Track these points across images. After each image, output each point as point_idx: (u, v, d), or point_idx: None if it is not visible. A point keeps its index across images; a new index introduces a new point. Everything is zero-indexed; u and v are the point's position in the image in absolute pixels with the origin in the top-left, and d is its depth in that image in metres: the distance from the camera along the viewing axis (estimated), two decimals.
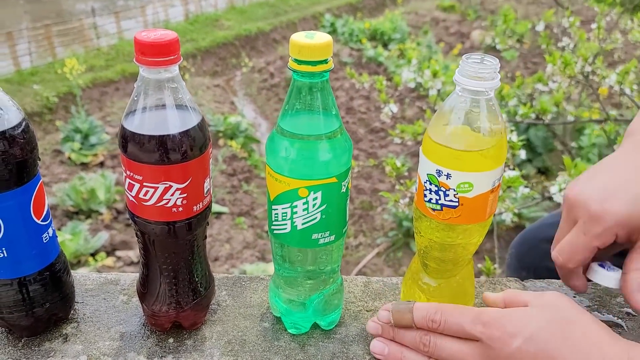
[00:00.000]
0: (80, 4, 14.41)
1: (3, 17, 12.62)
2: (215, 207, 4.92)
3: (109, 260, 4.01)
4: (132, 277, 0.66)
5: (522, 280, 0.67)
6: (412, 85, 2.24)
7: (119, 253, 4.22)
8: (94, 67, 7.83)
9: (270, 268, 3.93)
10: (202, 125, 0.49)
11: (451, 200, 0.48)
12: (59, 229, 4.38)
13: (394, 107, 2.13)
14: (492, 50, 8.93)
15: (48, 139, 6.16)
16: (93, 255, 4.10)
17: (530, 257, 0.90)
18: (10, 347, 0.55)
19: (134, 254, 4.20)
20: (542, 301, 0.47)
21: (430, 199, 0.49)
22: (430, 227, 0.50)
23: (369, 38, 9.51)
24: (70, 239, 4.00)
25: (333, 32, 10.25)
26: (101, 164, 5.61)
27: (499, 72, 0.45)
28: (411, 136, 1.98)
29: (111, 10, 10.60)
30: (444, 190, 0.47)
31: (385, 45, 9.40)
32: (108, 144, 5.80)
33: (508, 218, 1.47)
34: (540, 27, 2.40)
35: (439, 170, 0.47)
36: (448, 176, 0.47)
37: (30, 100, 6.95)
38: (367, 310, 0.60)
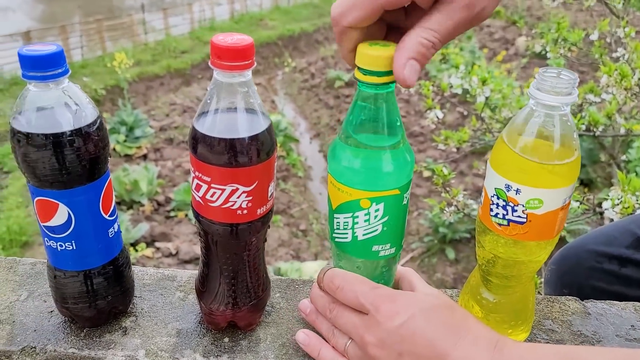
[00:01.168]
0: (129, 0, 14.81)
1: (57, 12, 13.09)
2: None
3: (148, 251, 4.10)
4: (188, 274, 0.67)
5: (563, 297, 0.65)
6: (459, 91, 2.20)
7: (158, 244, 4.31)
8: (141, 62, 8.03)
9: (305, 268, 3.94)
10: (270, 130, 0.50)
11: (519, 216, 0.47)
12: None
13: (439, 113, 2.11)
14: (538, 57, 8.72)
15: None
16: (133, 245, 4.20)
17: (573, 274, 0.87)
18: (73, 337, 0.57)
19: (173, 245, 4.29)
20: (429, 289, 0.51)
21: (497, 213, 0.48)
22: (495, 242, 0.49)
23: None
24: None
25: None
26: (144, 157, 5.74)
27: (576, 87, 0.44)
28: (456, 143, 1.95)
29: (159, 6, 10.84)
30: (512, 205, 0.46)
31: None
32: (152, 137, 5.94)
33: None
34: (594, 37, 2.33)
35: (508, 185, 0.46)
36: (517, 191, 0.46)
37: None
38: None
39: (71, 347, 0.56)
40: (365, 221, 0.48)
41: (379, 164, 0.47)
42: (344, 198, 0.48)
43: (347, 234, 0.50)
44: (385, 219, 0.48)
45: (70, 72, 0.49)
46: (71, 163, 0.49)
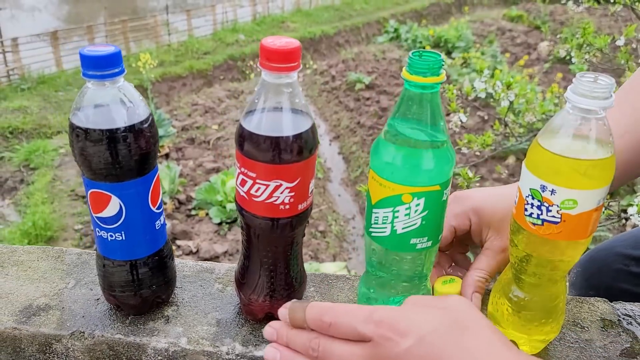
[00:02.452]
0: (153, 1, 15.01)
1: (82, 12, 13.31)
2: None
3: None
4: (226, 266, 0.69)
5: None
6: (482, 95, 2.21)
7: (179, 242, 4.37)
8: (164, 62, 8.14)
9: (323, 269, 3.96)
10: (313, 129, 0.52)
11: (553, 216, 0.48)
12: None
13: (463, 117, 2.11)
14: (560, 62, 8.63)
15: None
16: None
17: (600, 276, 0.88)
18: (118, 324, 0.60)
19: (193, 244, 4.34)
20: (441, 304, 0.46)
21: (531, 213, 0.49)
22: (529, 241, 0.51)
23: (432, 45, 9.40)
24: None
25: (396, 38, 10.20)
26: (166, 156, 5.82)
27: (613, 93, 0.46)
28: (480, 147, 1.95)
29: (183, 8, 10.97)
30: (547, 205, 0.48)
31: (448, 53, 9.28)
32: (174, 136, 6.02)
33: None
34: (620, 42, 2.31)
35: (544, 186, 0.48)
36: (552, 192, 0.47)
37: None
38: None
39: (117, 333, 0.59)
40: (405, 215, 0.50)
41: (423, 161, 0.49)
42: (385, 193, 0.50)
43: (385, 228, 0.52)
44: (425, 213, 0.50)
45: (125, 71, 0.52)
46: (124, 157, 0.52)
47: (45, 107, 6.75)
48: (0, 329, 0.59)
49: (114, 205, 0.54)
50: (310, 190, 0.55)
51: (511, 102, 2.03)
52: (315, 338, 0.46)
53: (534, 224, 0.50)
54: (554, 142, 0.48)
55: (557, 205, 0.48)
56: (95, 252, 0.71)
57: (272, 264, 0.57)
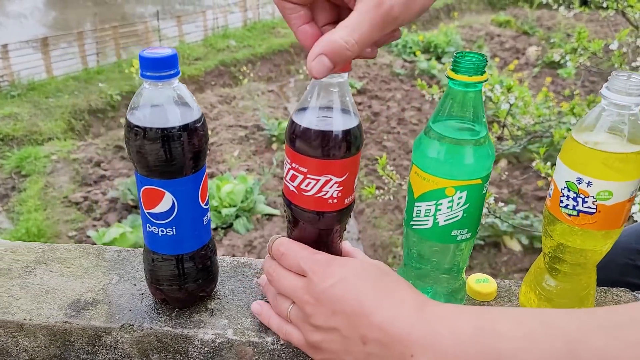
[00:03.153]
0: (140, 7, 14.98)
1: (69, 19, 13.24)
2: (267, 209, 5.03)
3: None
4: (261, 262, 0.72)
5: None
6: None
7: None
8: None
9: None
10: (360, 126, 0.55)
11: (589, 207, 0.51)
12: (119, 221, 4.58)
13: None
14: (549, 67, 8.76)
15: (110, 135, 6.44)
16: None
17: (606, 271, 0.91)
18: (165, 317, 0.62)
19: None
20: (367, 259, 0.55)
21: (567, 204, 0.52)
22: (564, 231, 0.54)
23: (422, 50, 9.50)
24: (131, 231, 4.17)
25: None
26: None
27: None
28: None
29: (173, 14, 10.97)
30: (583, 197, 0.51)
31: (438, 58, 9.37)
32: None
33: None
34: (614, 46, 2.38)
35: (580, 178, 0.51)
36: (589, 184, 0.50)
37: (95, 97, 7.28)
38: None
39: (165, 326, 0.61)
40: (448, 208, 0.53)
41: (466, 156, 0.52)
42: (429, 187, 0.53)
43: (428, 220, 0.55)
44: (466, 205, 0.53)
45: (180, 73, 0.54)
46: (180, 155, 0.54)
47: (36, 113, 6.71)
48: (51, 323, 0.60)
49: (167, 201, 0.56)
50: (355, 185, 0.57)
51: (511, 105, 2.08)
52: (274, 264, 0.57)
53: (569, 215, 0.53)
54: (589, 137, 0.51)
55: (593, 197, 0.51)
56: (130, 249, 0.73)
57: None
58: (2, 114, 6.47)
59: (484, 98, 2.28)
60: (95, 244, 4.11)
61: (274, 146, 6.24)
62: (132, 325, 0.61)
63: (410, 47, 9.70)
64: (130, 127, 0.54)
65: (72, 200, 5.02)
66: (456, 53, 0.51)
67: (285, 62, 9.75)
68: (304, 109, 0.54)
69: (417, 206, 0.55)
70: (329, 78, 0.52)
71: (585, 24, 10.40)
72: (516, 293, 0.67)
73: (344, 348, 0.48)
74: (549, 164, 2.05)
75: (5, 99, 6.99)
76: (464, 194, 0.52)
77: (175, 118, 0.54)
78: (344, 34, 0.42)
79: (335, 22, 0.49)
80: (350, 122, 0.54)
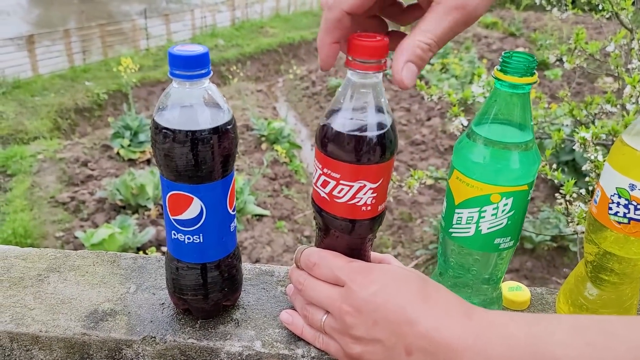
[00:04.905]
0: (126, 5, 14.83)
1: (53, 16, 13.06)
2: (257, 210, 4.99)
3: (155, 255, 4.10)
4: (284, 269, 0.69)
5: None
6: (480, 100, 2.24)
7: (164, 248, 4.31)
8: (143, 67, 8.04)
9: None
10: (394, 128, 0.52)
11: None
12: (107, 222, 4.51)
13: (464, 120, 2.14)
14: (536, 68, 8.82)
15: (97, 134, 6.34)
16: (140, 249, 4.20)
17: None
18: (189, 328, 0.59)
19: None
20: (403, 266, 0.53)
21: (617, 212, 0.51)
22: (612, 239, 0.52)
23: None
24: (120, 232, 4.11)
25: None
26: (148, 161, 5.74)
27: None
28: None
29: (160, 12, 10.86)
30: (636, 204, 0.49)
31: None
32: None
33: None
34: (610, 48, 2.38)
35: (633, 185, 0.49)
36: None
37: (82, 96, 7.18)
38: None
39: (190, 338, 0.58)
40: (492, 215, 0.51)
41: (513, 161, 0.49)
42: (472, 193, 0.51)
43: (469, 228, 0.53)
44: (512, 213, 0.51)
45: (212, 73, 0.51)
46: (210, 159, 0.51)
47: (22, 112, 6.59)
48: (69, 335, 0.57)
49: (195, 207, 0.53)
50: (388, 192, 0.55)
51: None
52: (304, 274, 0.54)
53: (619, 223, 0.51)
54: None
55: None
56: (146, 256, 0.70)
57: None
58: None
59: (482, 99, 2.26)
60: (84, 245, 4.04)
61: (264, 146, 6.20)
62: (154, 337, 0.58)
63: None
64: (158, 129, 0.51)
65: (59, 200, 4.94)
66: (504, 53, 0.49)
67: (273, 62, 9.71)
68: (336, 111, 0.51)
69: (458, 213, 0.53)
70: (363, 78, 0.50)
71: (571, 26, 10.50)
72: (550, 302, 0.65)
73: (387, 359, 0.46)
74: (554, 166, 2.05)
75: None
76: (510, 200, 0.50)
77: (206, 120, 0.51)
78: (426, 39, 0.43)
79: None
80: (385, 124, 0.52)
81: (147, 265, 0.68)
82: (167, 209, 0.54)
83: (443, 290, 0.48)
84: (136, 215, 4.67)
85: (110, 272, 0.66)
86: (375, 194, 0.53)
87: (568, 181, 1.36)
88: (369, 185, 0.52)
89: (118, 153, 5.68)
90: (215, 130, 0.51)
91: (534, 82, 0.48)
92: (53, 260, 0.67)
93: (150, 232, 4.30)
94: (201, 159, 0.51)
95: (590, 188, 1.54)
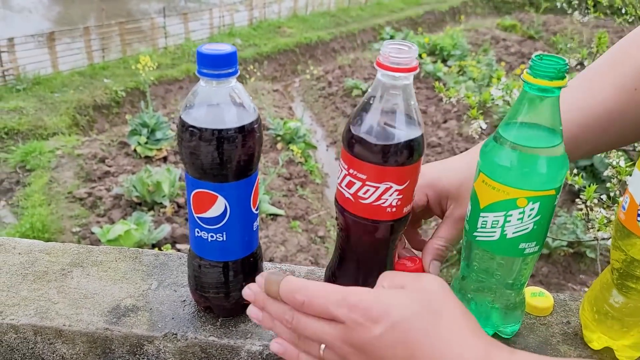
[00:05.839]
0: (144, 4, 14.96)
1: (73, 13, 13.22)
2: (271, 209, 5.00)
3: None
4: (304, 269, 0.69)
5: None
6: (499, 102, 2.22)
7: (179, 246, 4.35)
8: (161, 65, 8.11)
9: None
10: (423, 132, 0.52)
11: None
12: (123, 218, 4.55)
13: (482, 124, 2.13)
14: None
15: (115, 131, 6.41)
16: (155, 245, 4.23)
17: None
18: (210, 325, 0.59)
19: None
20: (416, 286, 0.46)
21: None
22: (639, 246, 0.51)
23: (428, 53, 9.47)
24: (136, 228, 4.15)
25: None
26: (164, 159, 5.79)
27: None
28: None
29: (179, 11, 10.95)
30: None
31: (444, 61, 9.34)
32: (172, 139, 5.99)
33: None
34: None
35: None
36: None
37: (100, 93, 7.26)
38: (541, 324, 0.62)
39: (210, 335, 0.58)
40: (518, 219, 0.50)
41: (541, 165, 0.49)
42: (498, 197, 0.50)
43: (494, 232, 0.52)
44: (538, 217, 0.50)
45: (239, 72, 0.52)
46: (236, 157, 0.51)
47: (41, 108, 6.68)
48: (91, 330, 0.58)
49: (219, 206, 0.53)
50: (414, 194, 0.55)
51: None
52: (290, 311, 0.47)
53: None
54: None
55: None
56: (168, 253, 0.70)
57: (368, 264, 0.57)
58: (8, 108, 6.45)
59: (501, 102, 2.23)
60: (100, 240, 4.08)
61: (279, 146, 6.21)
62: (176, 334, 0.58)
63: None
64: (185, 127, 0.51)
65: (76, 195, 5.00)
66: (534, 55, 0.48)
67: (290, 62, 9.73)
68: (364, 111, 0.51)
69: (483, 217, 0.52)
70: (393, 80, 0.50)
71: (591, 29, 10.37)
72: (573, 308, 0.64)
73: None
74: (574, 171, 2.02)
75: (11, 93, 6.97)
76: (537, 205, 0.50)
77: (233, 119, 0.51)
78: (442, 243, 0.60)
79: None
80: (415, 127, 0.51)
81: (169, 262, 0.68)
82: (192, 207, 0.55)
83: (460, 324, 0.44)
84: (152, 212, 4.71)
85: (132, 268, 0.67)
86: (401, 196, 0.53)
87: (589, 186, 1.34)
88: (395, 186, 0.52)
89: (135, 150, 5.73)
90: (242, 129, 0.51)
91: (564, 86, 0.48)
92: (76, 255, 0.68)
93: (166, 229, 4.34)
94: (227, 158, 0.51)
95: (612, 194, 1.52)
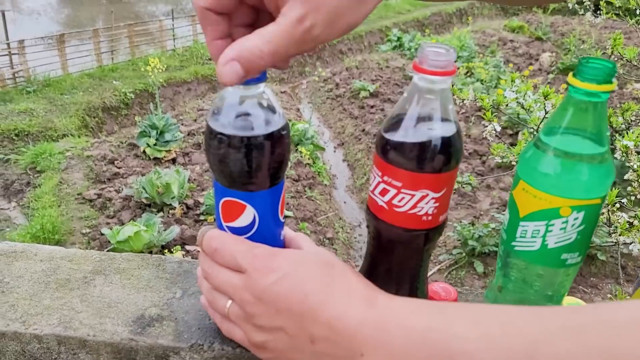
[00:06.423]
0: (151, 6, 15.01)
1: (81, 16, 13.29)
2: None
3: (179, 254, 4.13)
4: None
5: None
6: (513, 104, 2.20)
7: (188, 247, 4.34)
8: (169, 67, 8.13)
9: None
10: (460, 135, 0.50)
11: None
12: (133, 220, 4.55)
13: (497, 126, 2.10)
14: (562, 73, 8.67)
15: (124, 133, 6.42)
16: (164, 247, 4.23)
17: None
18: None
19: None
20: (314, 249, 0.51)
21: None
22: None
23: None
24: (145, 230, 4.14)
25: (399, 46, 10.24)
26: (173, 161, 5.79)
27: None
28: (517, 156, 1.93)
29: (186, 13, 10.97)
30: None
31: None
32: (180, 141, 5.99)
33: (636, 249, 1.41)
34: None
35: None
36: None
37: (109, 95, 7.28)
38: None
39: (238, 347, 0.56)
40: (561, 229, 0.48)
41: (588, 173, 0.47)
42: (539, 206, 0.48)
43: (534, 242, 0.50)
44: (582, 227, 0.48)
45: (267, 77, 0.50)
46: (265, 166, 0.50)
47: (51, 110, 6.71)
48: (116, 340, 0.56)
49: (247, 215, 0.52)
50: (449, 201, 0.53)
51: (546, 112, 2.02)
52: (210, 261, 0.50)
53: None
54: None
55: None
56: (191, 261, 0.69)
57: (400, 273, 0.55)
58: (18, 110, 6.48)
59: (514, 104, 2.21)
60: (110, 242, 4.09)
61: None
62: (202, 345, 0.56)
63: None
64: (213, 134, 0.49)
65: (86, 197, 5.01)
66: (581, 58, 0.46)
67: (297, 64, 9.72)
68: (400, 116, 0.49)
69: (523, 226, 0.50)
70: (430, 83, 0.48)
71: (600, 31, 10.31)
72: None
73: (291, 347, 0.45)
74: None
75: (22, 95, 7.00)
76: (581, 214, 0.48)
77: (262, 125, 0.49)
78: (260, 44, 0.40)
79: (250, 25, 0.45)
80: (452, 132, 0.49)
81: (193, 270, 0.67)
82: (220, 215, 0.53)
83: (349, 274, 0.47)
84: (161, 214, 4.71)
85: (156, 275, 0.65)
86: (437, 204, 0.51)
87: (611, 190, 1.32)
88: (432, 194, 0.50)
89: (144, 152, 5.74)
90: (272, 136, 0.49)
91: (612, 91, 0.46)
92: (98, 263, 0.67)
93: (175, 230, 4.33)
94: (256, 166, 0.49)
95: (633, 198, 1.49)
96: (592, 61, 0.46)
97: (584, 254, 0.51)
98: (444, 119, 0.49)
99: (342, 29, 0.41)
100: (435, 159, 0.49)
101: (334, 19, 0.40)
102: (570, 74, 0.47)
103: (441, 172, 0.49)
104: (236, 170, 0.49)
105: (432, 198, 0.50)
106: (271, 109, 0.51)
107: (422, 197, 0.50)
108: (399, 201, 0.51)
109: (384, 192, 0.51)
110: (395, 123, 0.50)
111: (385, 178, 0.51)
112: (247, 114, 0.50)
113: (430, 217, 0.51)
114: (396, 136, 0.49)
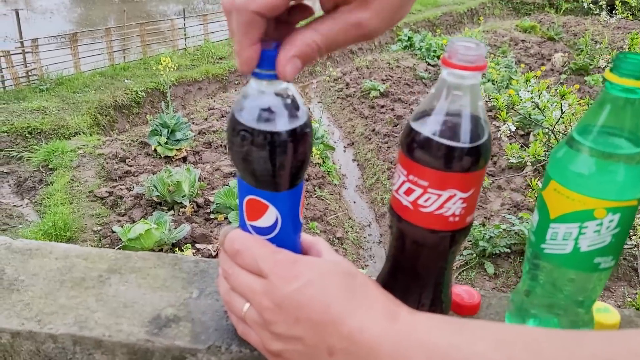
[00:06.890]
0: (163, 5, 15.08)
1: (93, 15, 13.37)
2: None
3: (189, 253, 4.13)
4: None
5: None
6: (528, 104, 2.17)
7: (198, 245, 4.34)
8: (180, 66, 8.15)
9: None
10: (490, 134, 0.49)
11: None
12: (144, 217, 4.57)
13: (512, 126, 2.08)
14: (575, 73, 8.59)
15: (136, 131, 6.45)
16: (175, 245, 4.24)
17: None
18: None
19: (213, 247, 4.31)
20: (334, 257, 0.49)
21: None
22: None
23: None
24: (156, 228, 4.15)
25: (410, 46, 10.19)
26: (184, 159, 5.80)
27: None
28: (532, 157, 1.91)
29: (198, 13, 11.00)
30: None
31: None
32: (191, 140, 6.00)
33: None
34: None
35: None
36: None
37: (121, 94, 7.31)
38: None
39: (256, 350, 0.55)
40: (595, 232, 0.46)
41: (624, 174, 0.45)
42: (572, 207, 0.47)
43: (566, 245, 0.48)
44: (617, 230, 0.46)
45: None
46: (288, 162, 0.48)
47: (64, 108, 6.75)
48: (132, 341, 0.55)
49: (270, 216, 0.50)
50: (477, 202, 0.51)
51: (562, 112, 1.99)
52: (229, 261, 0.49)
53: None
54: None
55: None
56: (207, 260, 0.67)
57: (423, 276, 0.54)
58: (31, 108, 6.52)
59: (529, 104, 2.18)
60: (121, 239, 4.10)
61: None
62: (220, 347, 0.55)
63: (435, 51, 9.60)
64: (237, 131, 0.48)
65: (97, 195, 5.03)
66: (618, 53, 0.44)
67: None
68: (427, 112, 0.48)
69: (554, 228, 0.49)
70: (460, 79, 0.46)
71: (612, 31, 10.20)
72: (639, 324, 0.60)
73: (308, 358, 0.44)
74: None
75: (35, 93, 7.05)
76: (617, 216, 0.46)
77: (285, 122, 0.48)
78: (318, 40, 0.42)
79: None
80: (484, 131, 0.48)
81: (209, 270, 0.65)
82: (244, 213, 0.51)
83: (371, 286, 0.46)
84: (172, 212, 4.72)
85: (172, 275, 0.64)
86: (465, 205, 0.49)
87: None
88: (460, 194, 0.48)
89: (155, 150, 5.76)
90: (297, 134, 0.48)
91: None
92: (113, 261, 0.65)
93: (186, 229, 4.34)
94: (279, 164, 0.48)
95: None
96: (630, 56, 0.44)
97: (617, 258, 0.49)
98: (474, 116, 0.48)
99: (394, 24, 0.43)
100: (464, 158, 0.47)
101: (392, 16, 0.42)
102: (607, 69, 0.45)
103: (470, 171, 0.48)
104: (259, 169, 0.48)
105: (460, 198, 0.48)
106: (297, 105, 0.49)
107: (450, 197, 0.48)
108: (425, 201, 0.49)
109: (409, 192, 0.50)
110: (422, 120, 0.48)
111: (411, 177, 0.49)
112: (273, 111, 0.48)
113: (457, 218, 0.49)
114: (423, 134, 0.48)
